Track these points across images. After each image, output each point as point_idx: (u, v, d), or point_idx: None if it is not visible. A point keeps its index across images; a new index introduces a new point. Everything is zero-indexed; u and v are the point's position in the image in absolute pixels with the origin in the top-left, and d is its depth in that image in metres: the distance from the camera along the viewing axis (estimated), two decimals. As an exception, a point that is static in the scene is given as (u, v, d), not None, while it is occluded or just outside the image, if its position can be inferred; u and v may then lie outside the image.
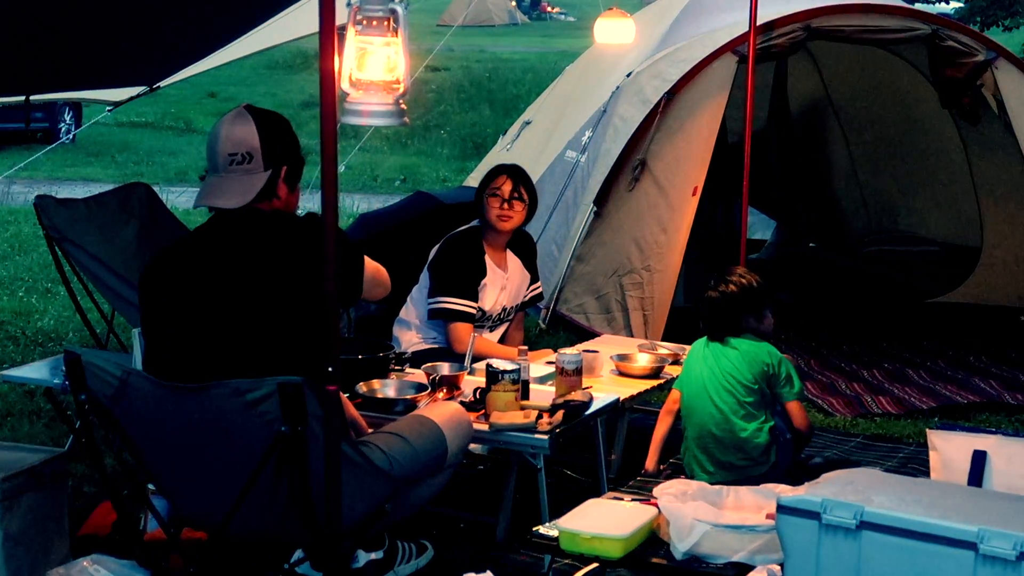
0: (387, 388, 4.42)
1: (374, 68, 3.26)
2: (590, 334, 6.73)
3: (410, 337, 5.29)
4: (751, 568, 3.55)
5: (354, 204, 12.73)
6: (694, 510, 3.68)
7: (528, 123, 9.04)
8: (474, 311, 5.22)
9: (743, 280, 4.62)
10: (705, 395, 4.54)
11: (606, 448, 4.91)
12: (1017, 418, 6.36)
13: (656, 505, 3.78)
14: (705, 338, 4.65)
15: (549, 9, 41.55)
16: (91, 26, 4.69)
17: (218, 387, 3.38)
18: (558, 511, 3.94)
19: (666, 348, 5.38)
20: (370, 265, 3.85)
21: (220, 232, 3.66)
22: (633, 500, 4.02)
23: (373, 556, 4.16)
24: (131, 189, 6.14)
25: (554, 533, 3.74)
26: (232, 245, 3.62)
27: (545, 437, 4.15)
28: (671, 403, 4.71)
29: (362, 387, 4.34)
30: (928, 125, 9.19)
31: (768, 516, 3.62)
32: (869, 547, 3.14)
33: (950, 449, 3.98)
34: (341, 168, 4.17)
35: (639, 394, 4.89)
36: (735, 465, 4.50)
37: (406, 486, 3.71)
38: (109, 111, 7.27)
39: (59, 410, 3.94)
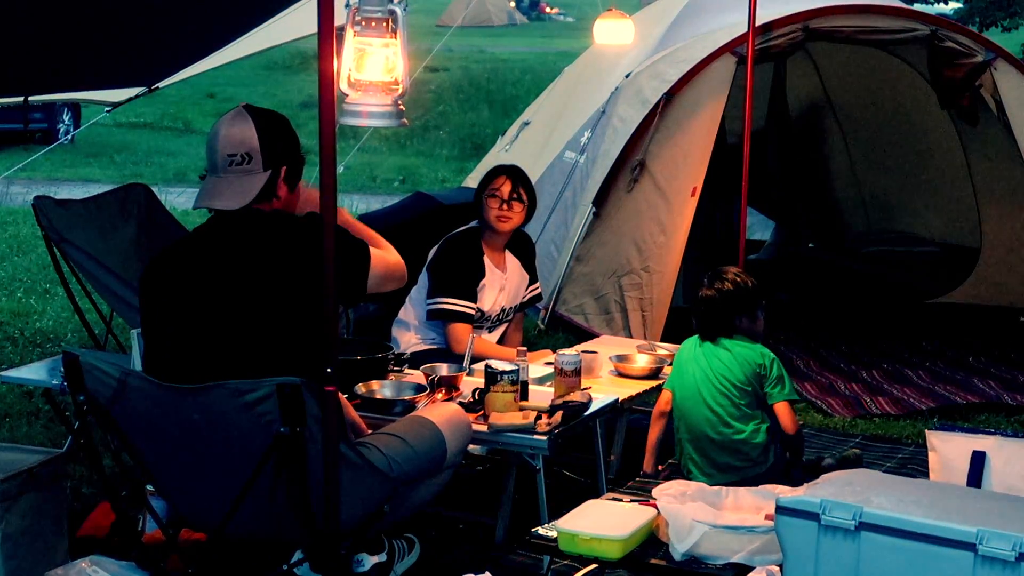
0: (386, 389, 4.41)
1: (373, 69, 3.27)
2: (589, 335, 6.72)
3: (409, 338, 5.28)
4: (750, 569, 3.54)
5: (353, 205, 12.71)
6: (693, 511, 3.68)
7: (527, 124, 9.04)
8: (473, 312, 5.21)
9: (738, 280, 4.60)
10: (699, 398, 4.52)
11: (605, 449, 4.91)
12: (1016, 419, 6.36)
13: (655, 506, 3.78)
14: (696, 337, 4.64)
15: (548, 10, 41.56)
16: (90, 26, 4.69)
17: (217, 388, 3.37)
18: (557, 512, 3.94)
19: (665, 349, 5.38)
20: (379, 261, 3.78)
21: (220, 233, 3.66)
22: (632, 501, 4.02)
23: (376, 559, 4.16)
24: (130, 190, 6.13)
25: (553, 534, 3.74)
26: (232, 246, 3.62)
27: (544, 438, 4.15)
28: (663, 404, 4.69)
29: (361, 388, 4.34)
30: (927, 126, 9.18)
31: (767, 517, 3.62)
32: (868, 548, 3.14)
33: (949, 450, 3.98)
34: (340, 169, 4.16)
35: (638, 395, 4.88)
36: (733, 466, 4.49)
37: (405, 487, 3.70)
38: (108, 112, 7.27)
39: (57, 411, 3.94)
